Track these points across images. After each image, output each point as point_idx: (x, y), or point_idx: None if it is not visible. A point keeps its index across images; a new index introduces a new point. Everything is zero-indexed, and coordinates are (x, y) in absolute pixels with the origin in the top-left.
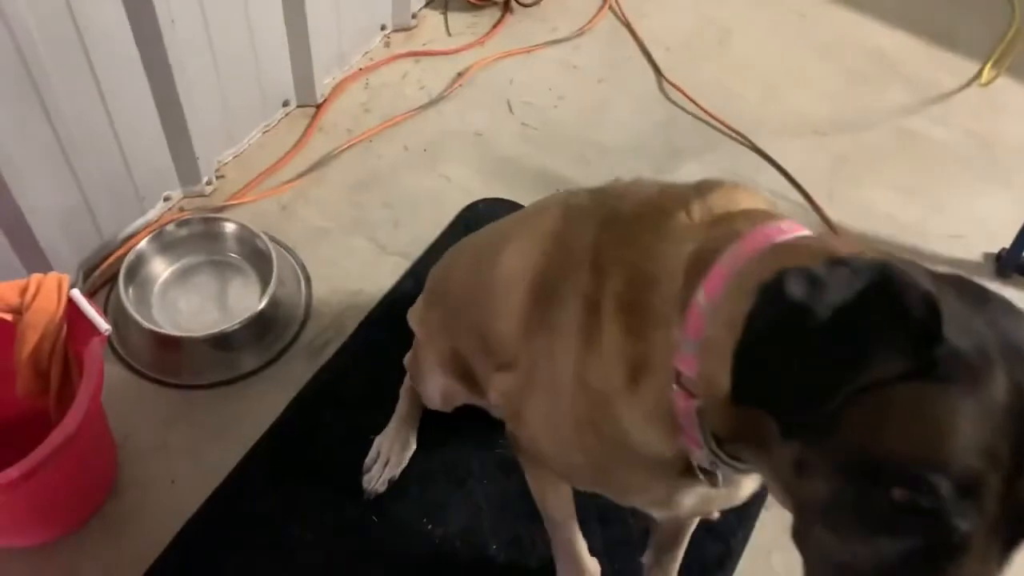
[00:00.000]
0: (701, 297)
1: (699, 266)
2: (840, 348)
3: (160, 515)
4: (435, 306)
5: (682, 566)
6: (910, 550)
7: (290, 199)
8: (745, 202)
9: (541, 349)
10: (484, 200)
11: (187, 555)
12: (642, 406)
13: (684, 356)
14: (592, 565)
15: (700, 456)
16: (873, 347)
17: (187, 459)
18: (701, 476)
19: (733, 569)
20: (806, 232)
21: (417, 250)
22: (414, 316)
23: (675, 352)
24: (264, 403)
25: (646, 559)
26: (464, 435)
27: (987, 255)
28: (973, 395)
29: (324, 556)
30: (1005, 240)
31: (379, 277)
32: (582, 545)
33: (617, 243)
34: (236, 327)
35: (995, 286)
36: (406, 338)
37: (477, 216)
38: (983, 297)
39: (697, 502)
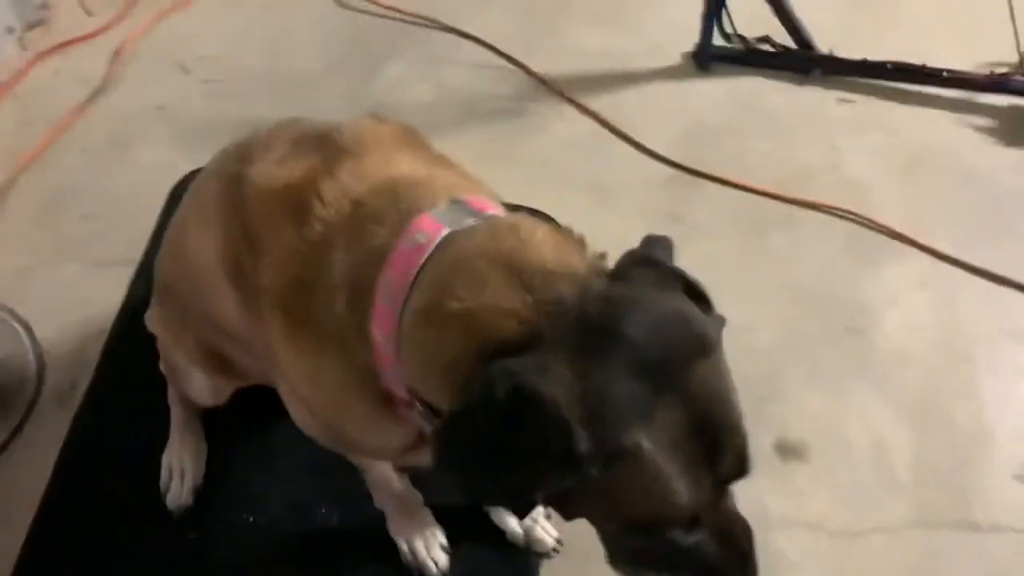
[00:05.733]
0: (379, 335)
1: (358, 296)
2: (505, 484)
3: None
4: (168, 301)
5: None
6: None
7: None
8: (376, 165)
9: (265, 340)
10: (191, 174)
11: None
12: (355, 417)
13: (391, 381)
14: (403, 487)
15: None
16: (529, 481)
17: None
18: None
19: None
20: (437, 234)
21: (137, 252)
22: (152, 319)
23: (378, 376)
24: (31, 470)
25: None
26: (253, 417)
27: (685, 55)
28: (644, 466)
29: None
30: (696, 39)
31: (105, 295)
32: (394, 478)
33: (261, 228)
34: None
35: (699, 82)
36: (156, 346)
37: None
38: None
39: None
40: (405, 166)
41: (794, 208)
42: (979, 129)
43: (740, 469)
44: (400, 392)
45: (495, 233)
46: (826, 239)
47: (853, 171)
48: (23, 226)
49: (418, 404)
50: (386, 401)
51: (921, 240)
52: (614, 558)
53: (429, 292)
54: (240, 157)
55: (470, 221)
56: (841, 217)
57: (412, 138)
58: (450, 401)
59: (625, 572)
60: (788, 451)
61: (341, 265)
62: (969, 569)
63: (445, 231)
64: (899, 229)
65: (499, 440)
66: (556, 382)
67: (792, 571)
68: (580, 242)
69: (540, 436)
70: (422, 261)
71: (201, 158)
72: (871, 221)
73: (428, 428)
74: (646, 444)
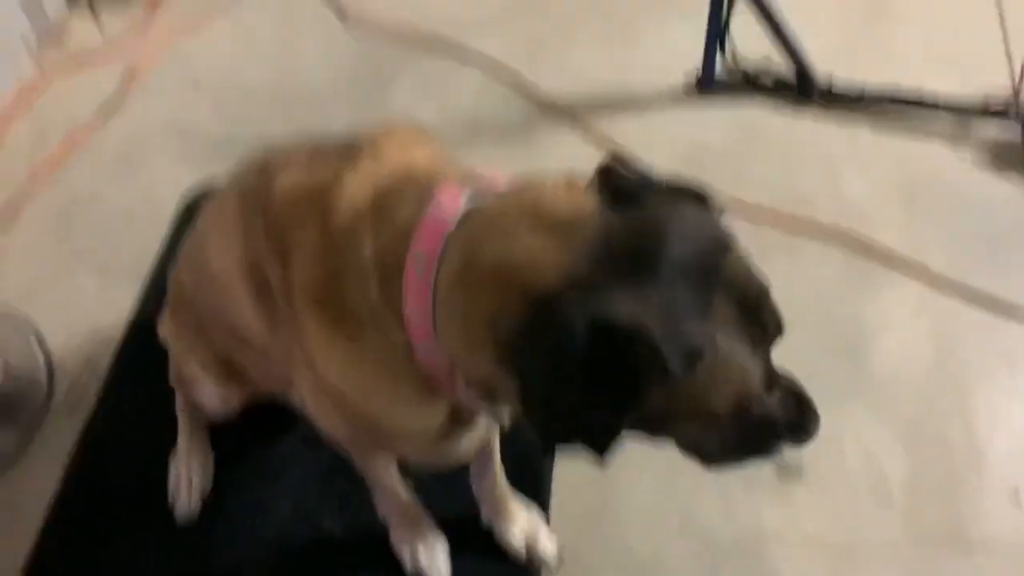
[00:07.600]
0: (413, 310)
1: (388, 274)
2: (600, 417)
3: None
4: (182, 312)
5: (509, 456)
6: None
7: None
8: (393, 158)
9: (285, 344)
10: (200, 190)
11: None
12: (395, 402)
13: (427, 355)
14: (408, 496)
15: (478, 408)
16: (626, 401)
17: None
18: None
19: None
20: (459, 204)
21: (145, 266)
22: (165, 329)
23: (412, 353)
24: (41, 480)
25: (472, 473)
26: (261, 426)
27: (687, 79)
28: (720, 356)
29: None
30: (698, 63)
31: (116, 305)
32: (400, 487)
33: (288, 227)
34: None
35: (701, 106)
36: (166, 356)
37: (199, 208)
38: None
39: (482, 432)
40: (420, 155)
41: (793, 235)
42: (975, 161)
43: (779, 327)
44: (437, 365)
45: (515, 191)
46: (824, 265)
47: (853, 199)
48: (37, 238)
49: (462, 380)
50: (423, 378)
51: (918, 267)
52: (710, 459)
53: (461, 254)
54: (260, 172)
55: (489, 191)
56: (840, 244)
57: (424, 135)
58: (495, 357)
59: (724, 466)
60: (784, 471)
61: (369, 248)
62: None
63: (468, 193)
64: (897, 256)
65: (589, 374)
66: (622, 305)
67: None
68: (585, 185)
69: (630, 362)
70: (451, 228)
71: (210, 175)
72: (869, 248)
73: (467, 398)
74: (716, 335)
